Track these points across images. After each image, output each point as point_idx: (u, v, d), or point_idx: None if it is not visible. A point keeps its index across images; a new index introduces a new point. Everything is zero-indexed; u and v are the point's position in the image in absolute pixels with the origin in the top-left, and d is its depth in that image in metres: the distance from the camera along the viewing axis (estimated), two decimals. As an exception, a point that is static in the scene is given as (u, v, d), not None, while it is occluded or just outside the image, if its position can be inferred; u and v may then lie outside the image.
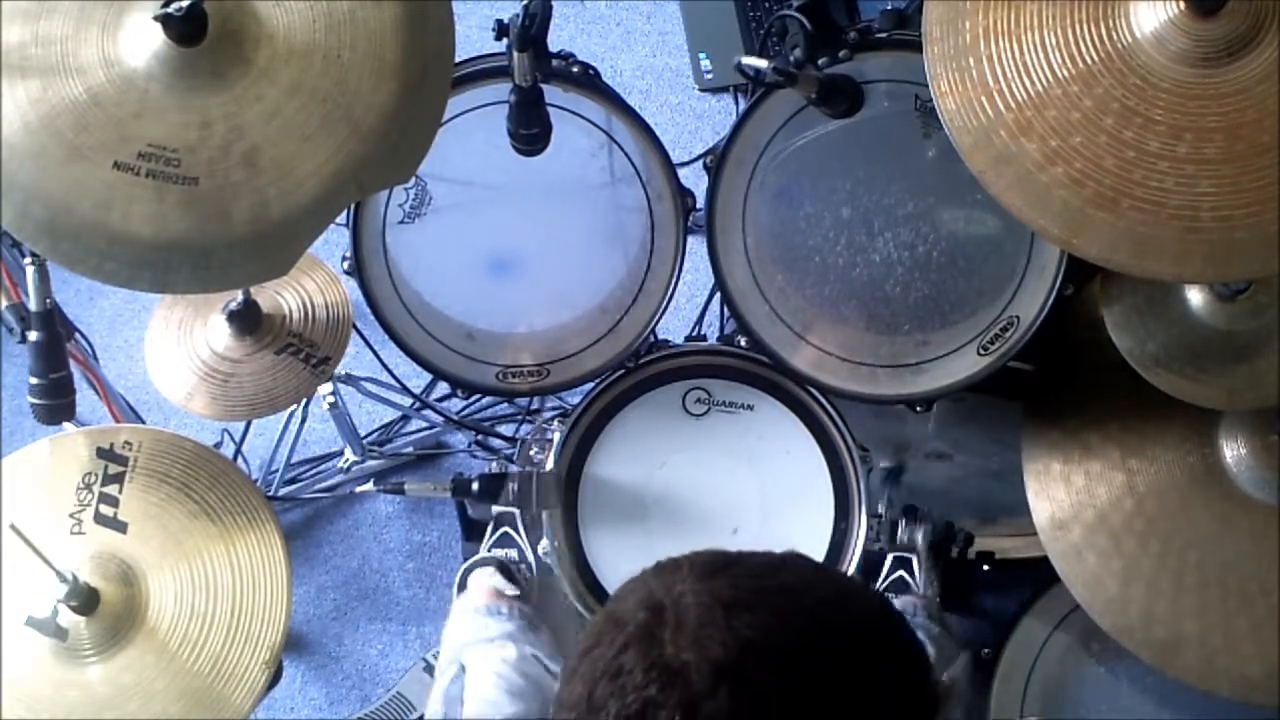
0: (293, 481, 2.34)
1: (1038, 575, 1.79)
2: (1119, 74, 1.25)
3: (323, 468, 2.37)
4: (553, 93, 1.54)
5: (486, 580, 1.65)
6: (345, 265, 1.67)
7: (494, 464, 1.83)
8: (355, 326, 1.93)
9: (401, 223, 1.70)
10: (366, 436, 2.36)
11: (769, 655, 0.81)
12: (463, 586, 1.68)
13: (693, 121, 2.61)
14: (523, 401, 2.32)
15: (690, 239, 1.72)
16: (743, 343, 1.75)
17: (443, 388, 2.21)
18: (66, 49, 1.27)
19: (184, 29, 1.25)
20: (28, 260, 1.46)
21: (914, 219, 1.65)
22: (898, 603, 1.65)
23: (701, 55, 2.64)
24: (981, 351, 1.66)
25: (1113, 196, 1.25)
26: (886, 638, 0.89)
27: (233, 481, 1.57)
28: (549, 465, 1.77)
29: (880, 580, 1.80)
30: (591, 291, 1.82)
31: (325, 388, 2.07)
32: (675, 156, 1.70)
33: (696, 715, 0.79)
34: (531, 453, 1.85)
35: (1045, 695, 1.84)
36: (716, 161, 1.62)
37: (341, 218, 1.53)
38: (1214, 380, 1.50)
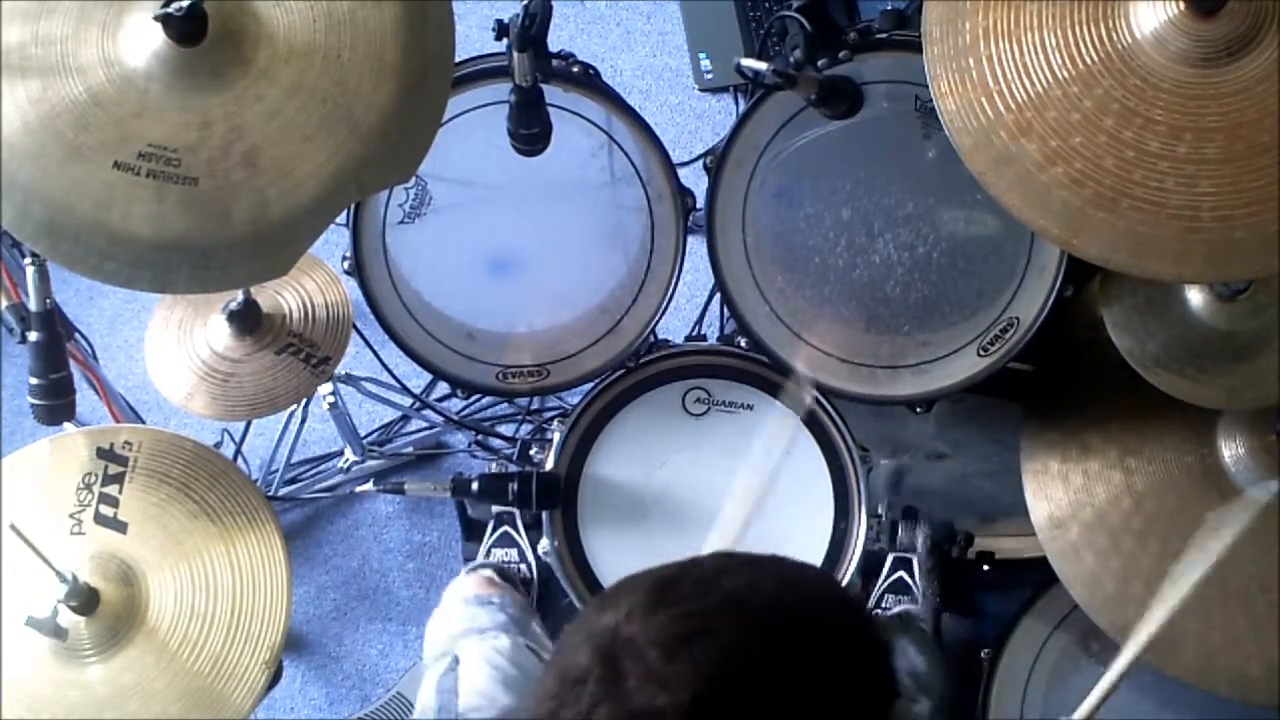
0: (293, 481, 2.34)
1: (1038, 575, 1.80)
2: (1119, 74, 1.25)
3: (323, 468, 2.37)
4: (553, 93, 1.54)
5: (482, 573, 1.65)
6: (345, 265, 1.67)
7: (494, 464, 1.84)
8: (355, 326, 1.93)
9: (401, 223, 1.70)
10: (366, 436, 2.36)
11: (739, 677, 0.81)
12: None
13: (693, 121, 2.61)
14: (523, 401, 2.32)
15: (690, 239, 1.72)
16: (743, 343, 1.75)
17: (443, 388, 2.21)
18: (66, 49, 1.27)
19: (184, 29, 1.25)
20: (28, 260, 1.46)
21: (914, 220, 1.65)
22: (891, 613, 1.65)
23: (701, 55, 2.64)
24: (981, 352, 1.66)
25: (1113, 197, 1.25)
26: (839, 612, 0.90)
27: (233, 481, 1.57)
28: (549, 465, 1.77)
29: (880, 580, 1.80)
30: (591, 291, 1.82)
31: (325, 388, 2.07)
32: (675, 156, 1.70)
33: None
34: (531, 453, 1.85)
35: (1045, 695, 1.84)
36: (716, 161, 1.62)
37: (341, 218, 1.53)
38: (1214, 380, 1.50)
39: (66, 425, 1.61)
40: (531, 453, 1.85)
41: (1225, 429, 1.58)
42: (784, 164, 1.65)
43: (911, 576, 1.79)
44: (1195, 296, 1.51)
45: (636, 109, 1.65)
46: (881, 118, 1.58)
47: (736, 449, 1.78)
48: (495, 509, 1.78)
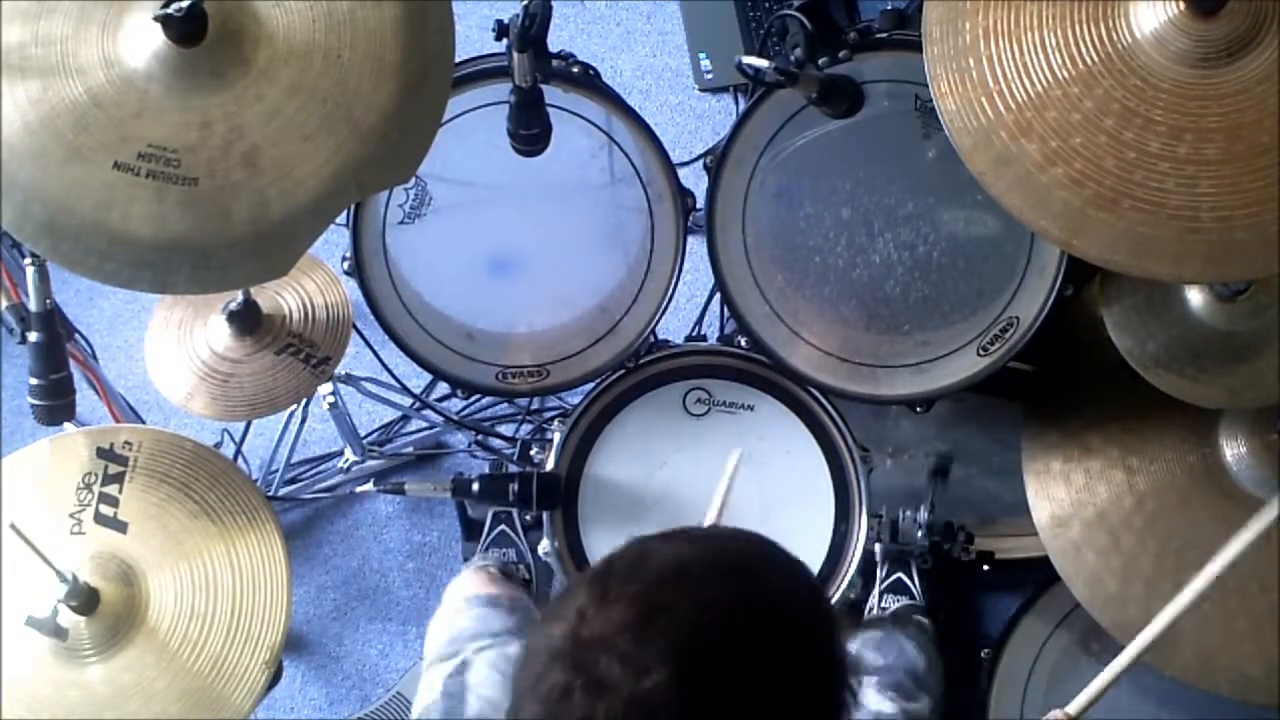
0: (293, 481, 2.34)
1: (1038, 575, 1.80)
2: (1119, 75, 1.25)
3: (323, 468, 2.37)
4: (553, 93, 1.54)
5: (483, 571, 1.65)
6: (345, 265, 1.67)
7: (494, 464, 1.84)
8: (355, 326, 1.93)
9: (401, 223, 1.70)
10: (366, 436, 2.36)
11: (710, 636, 0.83)
12: None
13: (693, 121, 2.61)
14: (523, 401, 2.32)
15: (690, 239, 1.72)
16: (743, 343, 1.75)
17: (443, 388, 2.21)
18: (66, 49, 1.27)
19: (184, 29, 1.25)
20: (28, 260, 1.46)
21: (914, 219, 1.65)
22: (890, 611, 1.65)
23: (701, 55, 2.63)
24: (981, 352, 1.66)
25: (1113, 197, 1.25)
26: (768, 554, 0.92)
27: (233, 481, 1.57)
28: (549, 465, 1.77)
29: (880, 580, 1.80)
30: (591, 291, 1.82)
31: (325, 388, 2.07)
32: (675, 156, 1.70)
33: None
34: (531, 453, 1.85)
35: (1045, 695, 1.84)
36: (716, 161, 1.62)
37: (341, 218, 1.53)
38: (1214, 380, 1.50)
39: (66, 425, 1.61)
40: (531, 453, 1.85)
41: (1226, 429, 1.58)
42: (784, 164, 1.65)
43: (910, 576, 1.79)
44: (1195, 296, 1.51)
45: (636, 109, 1.65)
46: (881, 117, 1.58)
47: (736, 449, 1.78)
48: (494, 508, 1.78)
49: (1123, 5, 1.26)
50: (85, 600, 1.45)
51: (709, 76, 2.62)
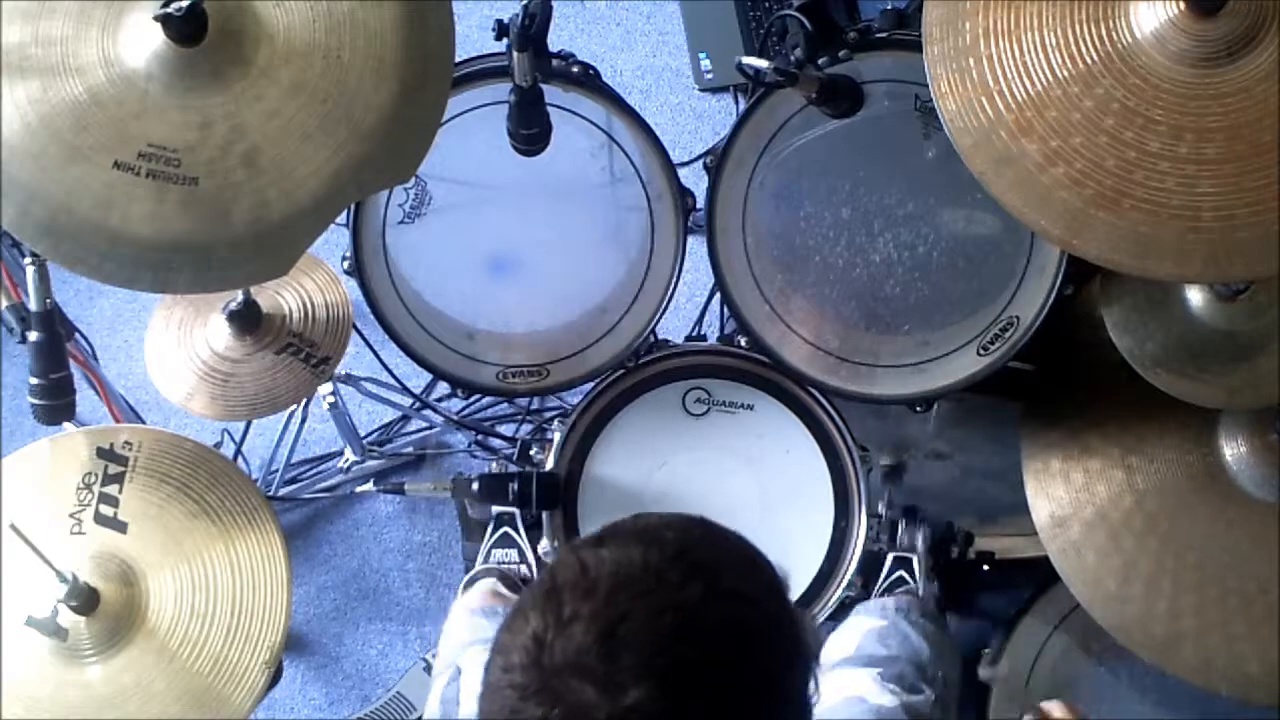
0: (293, 481, 2.34)
1: (1038, 575, 1.80)
2: (1119, 74, 1.25)
3: (323, 468, 2.37)
4: (553, 93, 1.54)
5: (487, 586, 1.65)
6: (345, 265, 1.67)
7: (494, 464, 1.83)
8: (355, 326, 1.93)
9: (401, 223, 1.70)
10: (366, 436, 2.36)
11: (680, 635, 0.82)
12: None
13: (693, 121, 2.61)
14: (523, 401, 2.32)
15: (690, 239, 1.72)
16: (743, 343, 1.75)
17: (443, 388, 2.21)
18: (66, 49, 1.27)
19: (184, 29, 1.25)
20: (28, 260, 1.46)
21: (914, 219, 1.65)
22: (893, 601, 1.65)
23: (701, 55, 2.63)
24: (981, 352, 1.66)
25: (1113, 197, 1.25)
26: (706, 532, 0.91)
27: (233, 481, 1.57)
28: (549, 465, 1.77)
29: (880, 580, 1.80)
30: (591, 291, 1.81)
31: (325, 388, 2.07)
32: (675, 156, 1.70)
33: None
34: (531, 453, 1.85)
35: (1045, 695, 1.84)
36: (716, 161, 1.62)
37: (341, 218, 1.53)
38: (1214, 380, 1.50)
39: (66, 425, 1.61)
40: (531, 453, 1.85)
41: (1226, 429, 1.58)
42: (784, 164, 1.65)
43: (912, 576, 1.79)
44: (1195, 296, 1.51)
45: (636, 109, 1.65)
46: (881, 117, 1.58)
47: (737, 449, 1.78)
48: (495, 509, 1.78)
49: (1123, 5, 1.26)
50: (85, 600, 1.45)
51: (709, 76, 2.63)
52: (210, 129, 1.27)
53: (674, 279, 1.74)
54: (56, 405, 1.53)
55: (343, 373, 2.14)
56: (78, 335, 1.95)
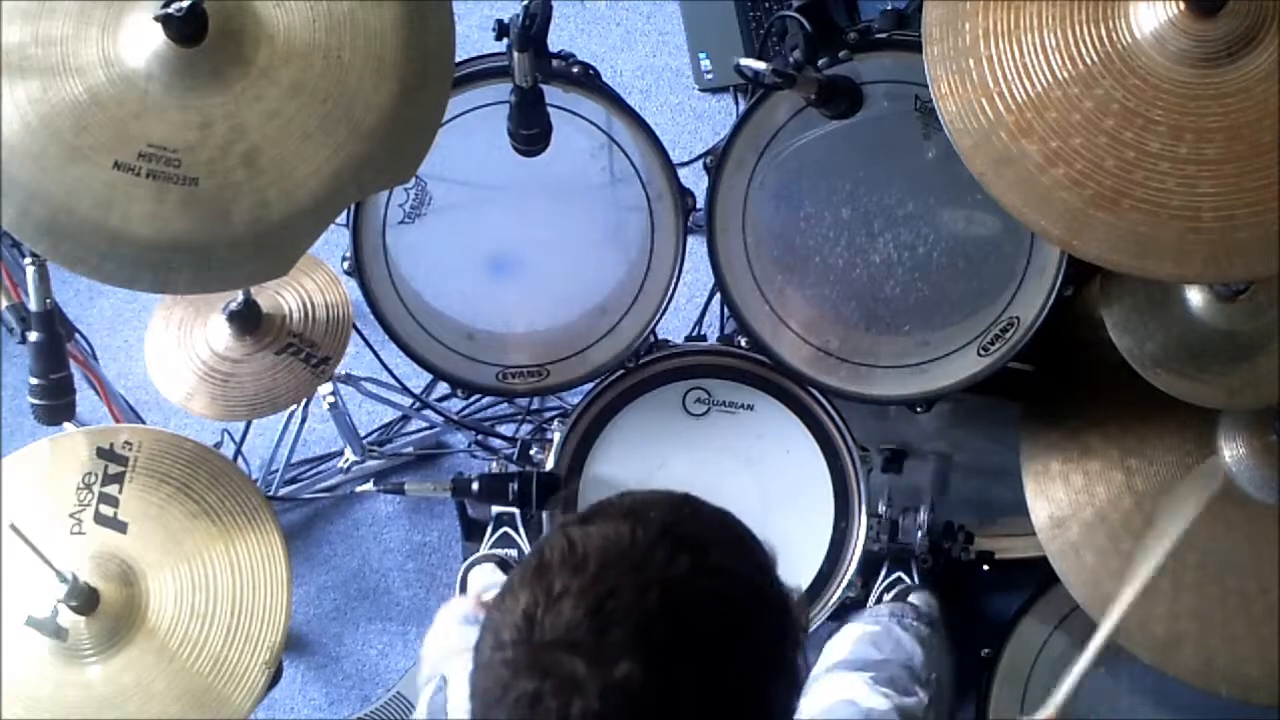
0: (293, 481, 2.34)
1: (1038, 575, 1.80)
2: (1119, 75, 1.25)
3: (323, 468, 2.36)
4: (553, 93, 1.54)
5: (485, 578, 1.65)
6: (345, 265, 1.67)
7: (494, 464, 1.83)
8: (355, 326, 1.93)
9: (402, 223, 1.70)
10: (366, 436, 2.36)
11: (670, 607, 0.83)
12: (464, 586, 1.68)
13: (693, 121, 2.61)
14: (523, 401, 2.32)
15: (690, 239, 1.72)
16: (743, 343, 1.75)
17: (443, 388, 2.21)
18: (66, 49, 1.27)
19: (184, 29, 1.25)
20: (28, 260, 1.46)
21: (914, 219, 1.65)
22: (886, 607, 1.65)
23: (701, 55, 2.63)
24: (982, 352, 1.66)
25: (1113, 197, 1.25)
26: (703, 524, 0.91)
27: (233, 481, 1.57)
28: (549, 465, 1.77)
29: (879, 580, 1.80)
30: (591, 291, 1.81)
31: (325, 388, 2.07)
32: (675, 156, 1.70)
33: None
34: (531, 453, 1.85)
35: (1045, 695, 1.83)
36: (716, 161, 1.62)
37: (341, 218, 1.53)
38: (1214, 380, 1.50)
39: (66, 425, 1.61)
40: (531, 453, 1.85)
41: (1226, 429, 1.57)
42: (784, 164, 1.65)
43: (911, 576, 1.79)
44: (1195, 296, 1.51)
45: (636, 109, 1.65)
46: (881, 118, 1.58)
47: (737, 449, 1.78)
48: (495, 509, 1.78)
49: (1123, 5, 1.26)
50: (85, 600, 1.45)
51: (709, 76, 2.62)
52: (210, 129, 1.27)
53: (674, 279, 1.74)
54: (56, 405, 1.53)
55: (343, 373, 2.14)
56: (78, 335, 1.95)
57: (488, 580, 1.69)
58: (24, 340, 1.52)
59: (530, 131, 1.51)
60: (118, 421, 2.02)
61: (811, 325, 1.73)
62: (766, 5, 2.59)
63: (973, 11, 1.29)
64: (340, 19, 1.31)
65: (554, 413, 2.29)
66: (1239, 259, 1.24)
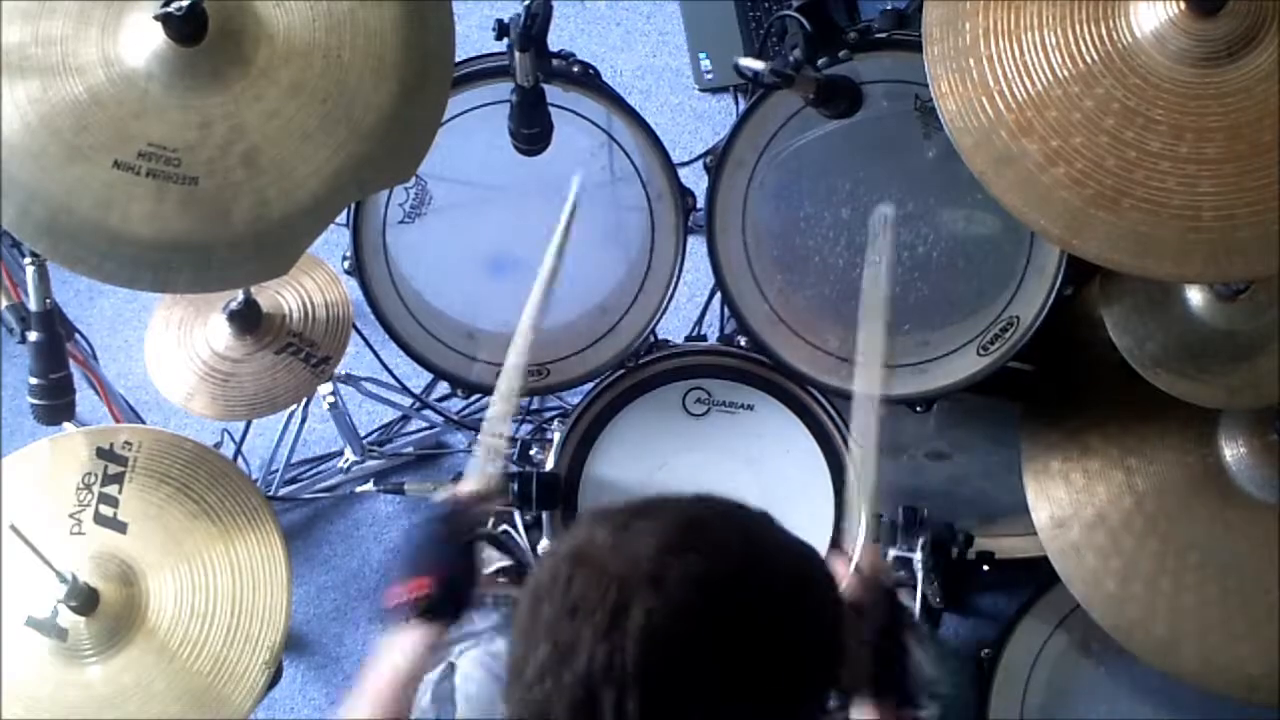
0: (293, 481, 2.34)
1: (1038, 575, 1.80)
2: (1119, 74, 1.25)
3: (323, 468, 2.36)
4: (553, 92, 1.54)
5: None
6: (345, 265, 1.67)
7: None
8: (355, 326, 1.93)
9: (402, 222, 1.70)
10: (366, 436, 2.36)
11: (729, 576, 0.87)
12: None
13: (693, 121, 2.61)
14: (523, 401, 2.32)
15: (690, 239, 1.72)
16: (743, 343, 1.75)
17: (443, 388, 2.21)
18: (66, 49, 1.27)
19: (184, 29, 1.25)
20: (28, 260, 1.46)
21: (914, 219, 1.65)
22: None
23: (701, 55, 2.63)
24: (981, 352, 1.66)
25: (1114, 197, 1.25)
26: (770, 528, 0.96)
27: (233, 481, 1.57)
28: (549, 465, 1.77)
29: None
30: (591, 291, 1.81)
31: (325, 388, 2.07)
32: (675, 156, 1.70)
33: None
34: (531, 453, 1.85)
35: (1045, 695, 1.84)
36: (716, 161, 1.62)
37: (341, 218, 1.53)
38: (1214, 380, 1.50)
39: (66, 425, 1.61)
40: (531, 453, 1.85)
41: (1226, 429, 1.58)
42: (784, 164, 1.65)
43: (912, 576, 1.79)
44: (1195, 296, 1.51)
45: (636, 109, 1.65)
46: (881, 117, 1.58)
47: (737, 449, 1.78)
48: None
49: (1123, 5, 1.26)
50: (85, 600, 1.45)
51: (709, 76, 2.62)
52: (210, 129, 1.27)
53: (674, 279, 1.74)
54: (56, 405, 1.53)
55: (343, 373, 2.14)
56: (78, 335, 1.95)
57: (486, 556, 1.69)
58: (24, 340, 1.52)
59: (531, 131, 1.51)
60: (118, 421, 2.01)
61: (811, 325, 1.73)
62: (766, 5, 2.59)
63: (973, 11, 1.29)
64: (340, 19, 1.31)
65: (554, 413, 2.29)
66: (1239, 259, 1.24)
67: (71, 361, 1.59)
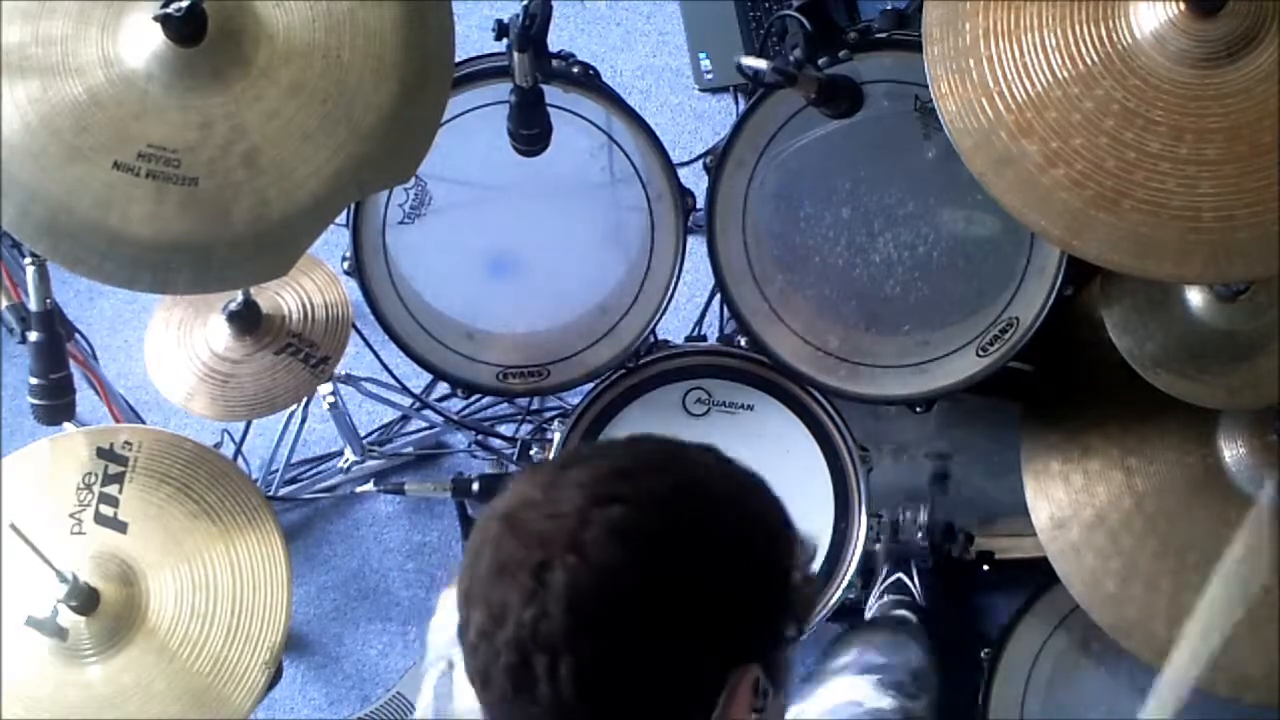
0: (293, 481, 2.34)
1: (1037, 575, 1.80)
2: (1119, 75, 1.25)
3: (323, 468, 2.36)
4: (553, 93, 1.54)
5: None
6: (345, 265, 1.67)
7: (494, 464, 1.84)
8: (355, 326, 1.93)
9: (401, 223, 1.70)
10: (366, 436, 2.36)
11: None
12: None
13: (693, 121, 2.61)
14: (523, 401, 2.32)
15: (690, 239, 1.72)
16: (743, 343, 1.75)
17: (443, 388, 2.21)
18: (66, 49, 1.27)
19: (184, 29, 1.25)
20: (28, 260, 1.46)
21: (914, 219, 1.65)
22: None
23: (701, 55, 2.63)
24: (981, 352, 1.66)
25: (1114, 198, 1.25)
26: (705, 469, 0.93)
27: (233, 481, 1.57)
28: (549, 465, 1.77)
29: (879, 581, 1.80)
30: (591, 291, 1.81)
31: (325, 388, 2.07)
32: (675, 156, 1.70)
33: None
34: (531, 453, 1.85)
35: (1045, 695, 1.84)
36: (716, 161, 1.62)
37: (341, 218, 1.53)
38: (1214, 380, 1.50)
39: (66, 425, 1.61)
40: (531, 453, 1.85)
41: (1226, 429, 1.58)
42: (784, 164, 1.65)
43: (910, 576, 1.79)
44: (1195, 296, 1.51)
45: (636, 109, 1.65)
46: (881, 117, 1.58)
47: (737, 449, 1.77)
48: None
49: (1123, 5, 1.26)
50: (85, 600, 1.45)
51: (709, 76, 2.62)
52: (210, 129, 1.27)
53: (674, 279, 1.74)
54: (56, 405, 1.53)
55: (343, 373, 2.14)
56: (78, 335, 1.95)
57: None
58: (24, 340, 1.52)
59: (530, 131, 1.51)
60: (118, 421, 2.01)
61: (811, 325, 1.73)
62: (766, 5, 2.59)
63: (973, 11, 1.29)
64: (340, 19, 1.32)
65: (554, 413, 2.29)
66: (1239, 259, 1.24)
67: (71, 361, 1.59)
